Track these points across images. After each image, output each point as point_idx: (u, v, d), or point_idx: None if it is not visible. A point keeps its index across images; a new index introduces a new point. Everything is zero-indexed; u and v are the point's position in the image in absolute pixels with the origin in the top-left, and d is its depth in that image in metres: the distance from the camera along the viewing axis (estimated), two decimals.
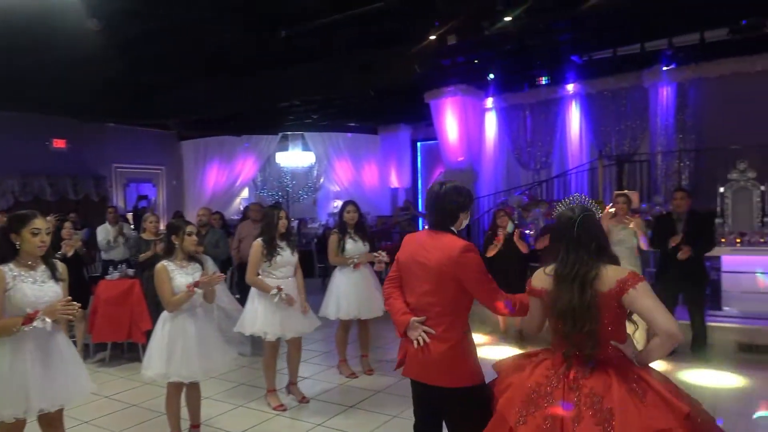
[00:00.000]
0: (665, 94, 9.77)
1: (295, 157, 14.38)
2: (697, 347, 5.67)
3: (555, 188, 10.65)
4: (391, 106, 12.41)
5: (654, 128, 9.91)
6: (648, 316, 2.13)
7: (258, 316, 4.53)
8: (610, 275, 2.20)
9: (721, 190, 6.96)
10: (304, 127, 13.74)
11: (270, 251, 4.52)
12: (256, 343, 6.43)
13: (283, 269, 4.59)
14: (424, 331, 2.56)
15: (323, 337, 6.72)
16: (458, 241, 2.57)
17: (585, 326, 2.15)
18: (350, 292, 5.24)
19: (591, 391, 2.10)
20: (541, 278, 2.39)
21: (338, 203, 14.99)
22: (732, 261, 6.31)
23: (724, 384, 5.01)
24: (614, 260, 2.30)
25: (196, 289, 3.59)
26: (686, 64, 9.35)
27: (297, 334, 4.70)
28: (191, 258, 3.79)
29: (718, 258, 6.41)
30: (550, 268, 2.35)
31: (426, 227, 2.79)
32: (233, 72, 8.83)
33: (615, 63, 9.69)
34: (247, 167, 14.06)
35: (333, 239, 5.29)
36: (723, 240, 6.39)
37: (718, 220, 6.81)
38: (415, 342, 2.57)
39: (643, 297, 2.13)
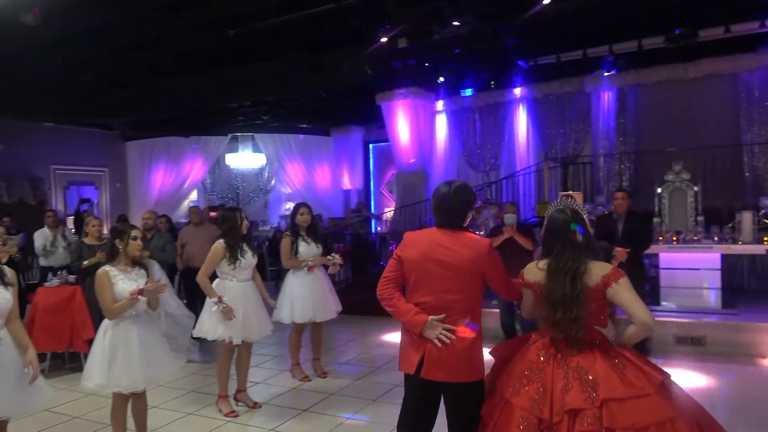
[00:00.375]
0: (606, 98, 10.18)
1: (245, 159, 14.16)
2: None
3: (504, 189, 10.91)
4: (343, 107, 12.40)
5: (596, 131, 10.31)
6: (627, 307, 2.43)
7: (206, 317, 4.46)
8: (596, 271, 2.48)
9: (659, 190, 7.31)
10: (254, 128, 13.54)
11: (234, 254, 4.47)
12: (204, 349, 6.32)
13: (244, 272, 4.56)
14: (447, 329, 2.59)
15: (275, 341, 6.65)
16: (482, 239, 2.76)
17: (574, 313, 2.42)
18: (305, 294, 5.20)
19: (577, 365, 2.39)
20: (534, 272, 2.62)
21: (290, 205, 14.85)
22: (669, 258, 6.63)
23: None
24: (597, 256, 2.56)
25: (139, 296, 3.47)
26: (626, 70, 9.78)
27: (258, 336, 4.67)
28: (135, 263, 3.67)
29: (656, 255, 6.73)
30: (542, 263, 2.58)
31: (434, 227, 2.79)
32: (180, 71, 8.60)
33: (559, 68, 10.02)
34: (195, 169, 13.73)
35: (286, 242, 5.24)
36: (661, 238, 6.71)
37: (656, 220, 7.14)
38: (437, 341, 2.58)
39: (624, 291, 2.44)
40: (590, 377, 2.33)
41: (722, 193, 8.63)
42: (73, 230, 9.74)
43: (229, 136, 13.76)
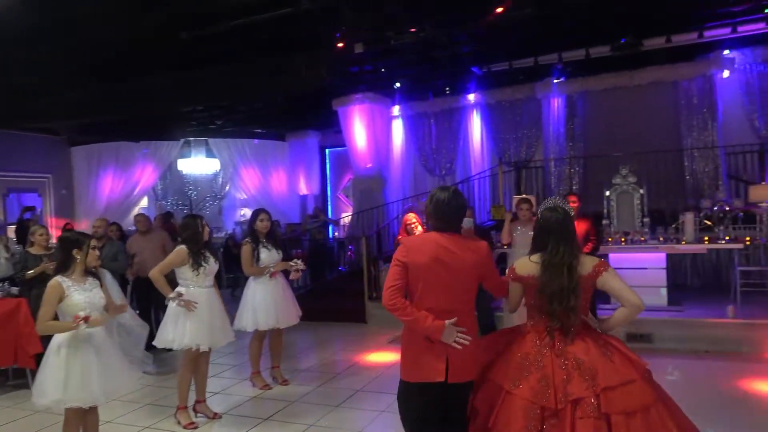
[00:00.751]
0: (556, 105, 10.52)
1: (198, 164, 13.84)
2: None
3: None
4: (299, 112, 12.33)
5: (547, 137, 10.63)
6: (618, 293, 2.69)
7: (187, 328, 4.35)
8: (587, 262, 2.74)
9: (607, 193, 7.60)
10: (207, 132, 13.27)
11: (197, 261, 4.41)
12: (157, 360, 6.15)
13: (208, 278, 4.52)
14: (461, 333, 2.66)
15: (232, 350, 6.53)
16: (480, 241, 2.87)
17: (571, 303, 2.63)
18: (267, 301, 5.15)
19: (574, 356, 2.58)
20: (528, 266, 2.80)
21: (245, 212, 14.61)
22: (618, 258, 6.90)
23: None
24: (580, 251, 2.83)
25: (81, 324, 3.23)
26: (574, 78, 10.14)
27: (224, 342, 4.63)
28: (89, 273, 3.54)
29: (606, 256, 6.99)
30: (536, 257, 2.77)
31: (432, 232, 2.81)
32: (130, 74, 8.35)
33: (511, 75, 10.30)
34: (146, 175, 13.32)
35: (246, 249, 5.17)
36: (610, 239, 6.98)
37: (605, 221, 7.42)
38: (455, 344, 2.64)
39: (613, 279, 2.71)
40: (589, 367, 2.53)
41: (666, 196, 9.06)
42: (15, 240, 9.28)
43: (182, 141, 13.42)
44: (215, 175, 14.42)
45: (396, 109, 11.91)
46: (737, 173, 9.30)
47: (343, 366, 6.13)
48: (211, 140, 13.59)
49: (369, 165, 11.32)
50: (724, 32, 8.55)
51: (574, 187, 10.00)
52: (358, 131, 11.23)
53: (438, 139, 11.66)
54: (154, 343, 4.71)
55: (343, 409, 4.79)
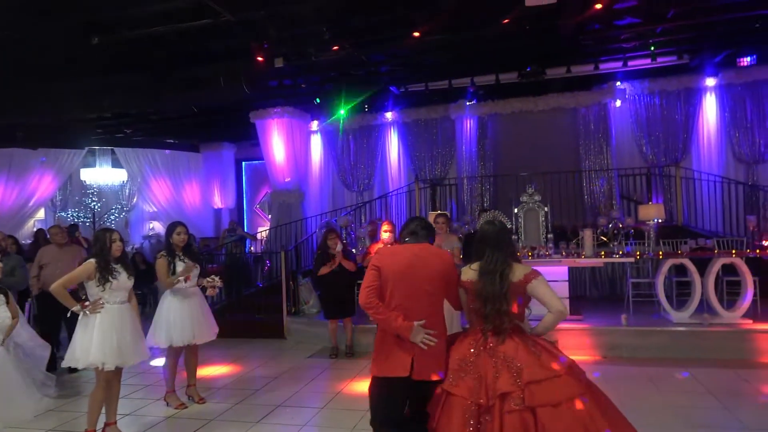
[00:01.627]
0: (468, 125, 11.06)
1: (103, 174, 13.10)
2: None
3: (377, 209, 11.30)
4: (214, 123, 12.06)
5: (460, 156, 11.13)
6: (544, 300, 2.94)
7: (93, 345, 4.12)
8: (519, 270, 2.98)
9: (515, 210, 8.10)
10: (114, 141, 12.62)
11: (104, 275, 4.20)
12: (60, 383, 5.76)
13: (118, 293, 4.29)
14: (429, 334, 2.93)
15: (142, 369, 6.25)
16: (445, 252, 3.25)
17: (502, 306, 2.87)
18: (183, 317, 4.99)
19: (504, 354, 2.80)
20: (468, 273, 3.06)
21: (154, 225, 14.00)
22: None
23: None
24: (518, 259, 3.08)
25: None
26: (485, 101, 10.73)
27: (134, 361, 4.39)
28: None
29: None
30: (475, 265, 3.03)
31: (404, 242, 3.22)
32: (29, 78, 7.83)
33: (427, 96, 10.75)
34: (43, 185, 12.43)
35: (162, 263, 5.00)
36: (519, 254, 7.40)
37: (514, 237, 7.89)
38: (422, 344, 2.91)
39: (541, 286, 2.95)
40: (517, 364, 2.75)
41: (567, 213, 9.77)
42: None
43: (86, 149, 12.66)
44: (122, 186, 13.72)
45: (315, 124, 11.97)
46: (628, 194, 10.22)
47: (261, 382, 6.04)
48: (118, 149, 12.94)
49: (287, 179, 11.28)
50: (616, 65, 9.46)
51: (485, 204, 10.52)
52: (277, 145, 11.17)
53: (356, 155, 11.84)
54: (63, 363, 4.43)
55: (262, 425, 4.73)
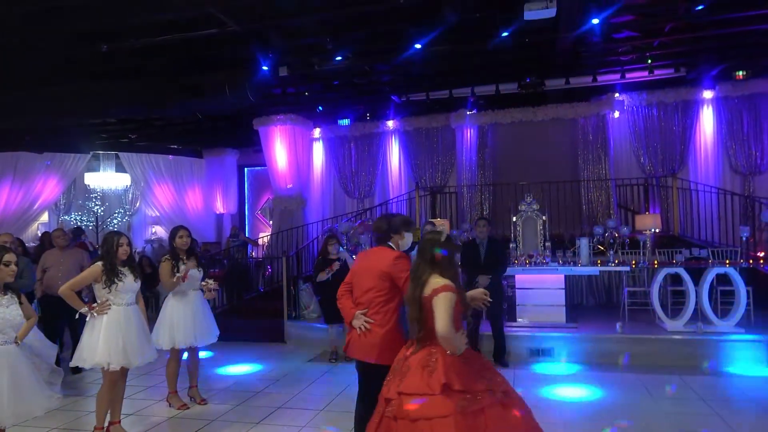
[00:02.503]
0: (469, 134, 11.21)
1: (107, 179, 13.24)
2: (497, 355, 6.58)
3: (377, 216, 11.41)
4: (217, 129, 12.22)
5: (460, 164, 11.28)
6: (436, 317, 2.83)
7: (99, 346, 4.23)
8: (432, 283, 2.95)
9: (514, 219, 8.22)
10: (119, 146, 12.79)
11: (110, 277, 4.32)
12: (65, 382, 5.85)
13: (125, 296, 4.40)
14: (366, 321, 3.42)
15: (145, 371, 6.36)
16: (393, 251, 3.57)
17: (416, 315, 2.96)
18: (186, 319, 5.11)
19: (409, 363, 2.89)
20: None
21: (156, 229, 14.13)
22: (523, 279, 7.46)
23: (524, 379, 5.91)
24: (452, 274, 3.02)
25: None
26: (485, 111, 10.90)
27: (141, 363, 4.48)
28: (7, 288, 3.43)
29: (512, 277, 7.54)
30: None
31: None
32: (35, 83, 7.98)
33: (428, 105, 10.91)
34: (48, 188, 12.57)
35: (166, 266, 5.12)
36: (516, 261, 7.54)
37: (512, 245, 8.01)
38: (358, 329, 3.43)
39: (439, 304, 2.84)
40: (407, 373, 2.85)
41: (565, 222, 9.90)
42: None
43: (90, 154, 12.82)
44: (125, 191, 13.86)
45: (317, 132, 12.13)
46: (626, 203, 10.36)
47: (262, 385, 6.14)
48: (122, 154, 13.09)
49: (289, 185, 11.42)
50: (614, 77, 9.61)
51: (484, 212, 10.65)
52: (279, 151, 11.32)
53: (358, 163, 11.99)
54: (71, 363, 4.54)
55: (263, 426, 4.83)
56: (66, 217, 13.45)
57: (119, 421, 4.65)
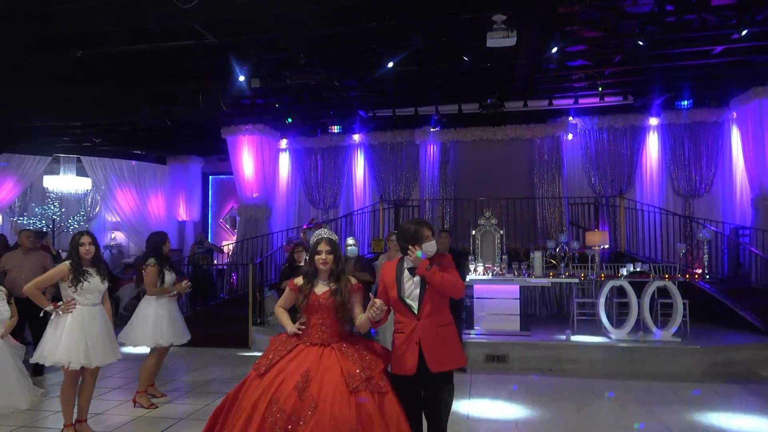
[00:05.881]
0: (432, 150, 11.67)
1: (67, 182, 13.03)
2: None
3: (342, 227, 11.69)
4: (182, 137, 12.27)
5: (423, 178, 11.70)
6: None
7: (61, 344, 4.28)
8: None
9: (473, 232, 8.65)
10: (81, 150, 12.64)
11: (76, 276, 4.39)
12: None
13: (90, 296, 4.46)
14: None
15: (112, 372, 6.42)
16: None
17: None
18: (167, 318, 5.31)
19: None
20: None
21: (116, 235, 13.97)
22: (481, 289, 7.86)
23: (480, 383, 6.25)
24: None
25: None
26: (448, 128, 11.38)
27: (102, 363, 4.53)
28: None
29: (471, 287, 7.92)
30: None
31: None
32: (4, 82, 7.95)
33: (394, 121, 11.33)
34: (4, 190, 12.30)
35: (153, 271, 5.32)
36: (475, 272, 7.93)
37: (471, 257, 8.41)
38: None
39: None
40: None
41: (521, 237, 10.43)
42: None
43: (52, 156, 12.62)
44: (85, 195, 13.66)
45: (284, 142, 12.34)
46: (577, 221, 10.97)
47: (227, 387, 6.27)
48: (84, 158, 12.93)
49: (255, 194, 11.56)
50: (568, 102, 10.27)
51: (446, 225, 11.07)
52: (246, 161, 11.48)
53: (323, 174, 12.25)
54: (31, 359, 4.58)
55: None
56: (20, 220, 13.14)
57: (86, 420, 4.71)
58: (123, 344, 5.24)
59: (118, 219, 13.51)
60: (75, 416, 4.63)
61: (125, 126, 11.30)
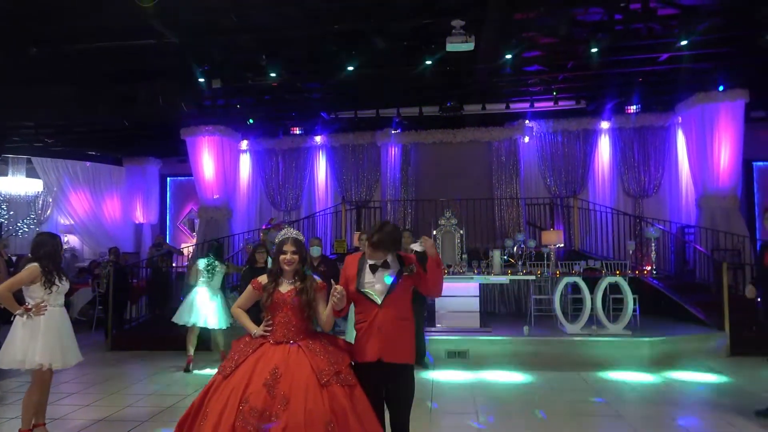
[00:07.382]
0: (393, 152, 11.82)
1: (15, 184, 12.59)
2: (418, 357, 7.05)
3: (304, 228, 11.70)
4: (139, 138, 12.03)
5: (385, 180, 11.84)
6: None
7: (39, 346, 4.21)
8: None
9: (434, 232, 8.83)
10: (32, 150, 12.23)
11: (50, 279, 4.32)
12: None
13: (59, 297, 4.43)
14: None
15: (67, 378, 6.28)
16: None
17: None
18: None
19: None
20: None
21: (69, 238, 13.55)
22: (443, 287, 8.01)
23: (442, 378, 6.41)
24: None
25: None
26: (409, 131, 11.56)
27: (74, 362, 4.49)
28: None
29: None
30: None
31: None
32: None
33: (356, 122, 11.42)
34: None
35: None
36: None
37: None
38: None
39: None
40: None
41: (480, 236, 10.69)
42: None
43: None
44: (36, 197, 13.21)
45: (245, 144, 12.26)
46: (534, 220, 11.32)
47: (191, 389, 6.23)
48: (35, 159, 12.52)
49: (216, 196, 11.45)
50: (525, 106, 10.60)
51: (408, 226, 11.23)
52: (206, 162, 11.35)
53: (285, 176, 12.24)
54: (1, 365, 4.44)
55: None
56: None
57: (44, 424, 4.62)
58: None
59: (72, 222, 13.13)
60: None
61: (81, 127, 11.01)
